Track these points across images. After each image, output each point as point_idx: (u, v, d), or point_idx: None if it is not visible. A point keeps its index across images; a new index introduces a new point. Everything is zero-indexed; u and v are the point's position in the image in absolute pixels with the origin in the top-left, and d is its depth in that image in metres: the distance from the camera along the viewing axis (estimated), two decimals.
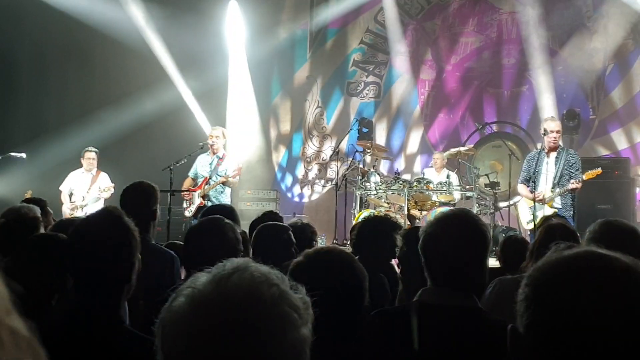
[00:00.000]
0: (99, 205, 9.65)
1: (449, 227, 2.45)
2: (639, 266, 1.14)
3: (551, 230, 3.77)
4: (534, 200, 7.58)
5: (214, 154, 9.27)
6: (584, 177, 7.51)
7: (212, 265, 1.17)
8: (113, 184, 9.74)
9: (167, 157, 9.48)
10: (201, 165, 9.30)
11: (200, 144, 9.46)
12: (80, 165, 10.05)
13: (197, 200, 9.08)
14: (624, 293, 1.09)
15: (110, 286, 2.27)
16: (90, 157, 9.96)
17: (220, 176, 9.08)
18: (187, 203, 9.20)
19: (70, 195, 9.80)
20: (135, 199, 4.17)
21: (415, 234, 2.82)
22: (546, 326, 1.12)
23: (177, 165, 8.89)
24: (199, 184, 9.20)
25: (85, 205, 9.72)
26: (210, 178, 9.12)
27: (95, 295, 2.24)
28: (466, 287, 2.41)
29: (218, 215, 3.41)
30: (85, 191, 9.83)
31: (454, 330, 2.33)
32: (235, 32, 13.35)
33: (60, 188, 9.90)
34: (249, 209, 11.80)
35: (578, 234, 4.07)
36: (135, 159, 12.43)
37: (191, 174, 9.34)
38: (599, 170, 7.67)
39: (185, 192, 9.12)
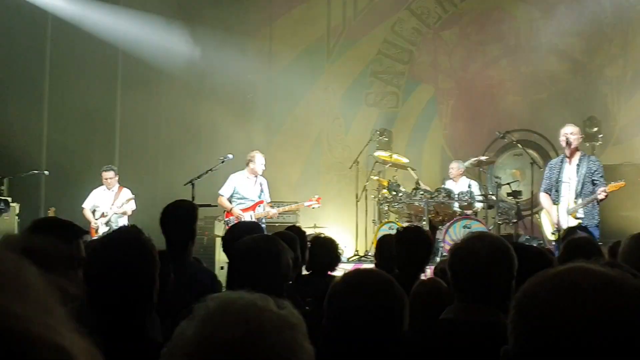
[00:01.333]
0: (124, 220, 9.80)
1: (478, 243, 2.45)
2: (624, 279, 1.13)
3: (573, 246, 3.78)
4: (557, 212, 7.53)
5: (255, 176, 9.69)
6: (608, 189, 7.45)
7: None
8: (133, 196, 9.94)
9: (188, 172, 9.57)
10: (242, 186, 9.50)
11: (221, 158, 9.51)
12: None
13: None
14: (604, 309, 1.08)
15: (130, 305, 2.26)
16: (107, 176, 10.09)
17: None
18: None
19: (94, 212, 9.93)
20: (176, 219, 4.17)
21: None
22: (530, 348, 1.12)
23: (199, 179, 8.94)
24: (252, 205, 9.56)
25: (109, 221, 9.85)
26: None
27: (114, 314, 2.23)
28: (491, 303, 2.41)
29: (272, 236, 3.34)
30: (109, 207, 9.96)
31: (485, 346, 2.32)
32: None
33: (83, 205, 10.03)
34: (270, 221, 11.80)
35: (599, 247, 4.06)
36: (159, 175, 12.58)
37: (227, 193, 9.54)
38: (622, 183, 7.61)
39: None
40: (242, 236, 4.05)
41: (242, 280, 2.86)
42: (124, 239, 2.43)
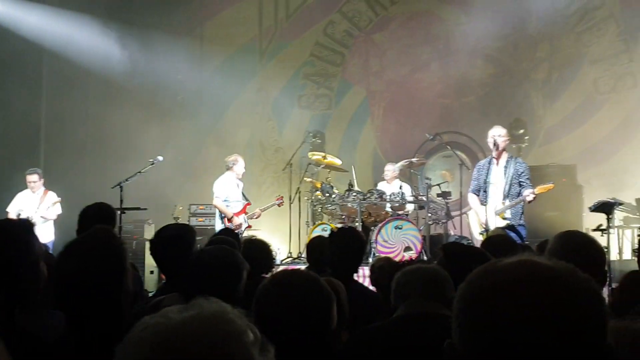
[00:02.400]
0: (49, 226, 9.57)
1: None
2: (571, 272, 1.14)
3: (491, 244, 3.89)
4: (485, 212, 7.69)
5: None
6: (537, 191, 7.65)
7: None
8: (59, 199, 9.75)
9: (117, 174, 9.40)
10: (231, 190, 9.69)
11: (151, 160, 9.37)
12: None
13: (245, 224, 9.93)
14: (551, 302, 1.08)
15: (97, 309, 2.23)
16: (31, 180, 9.87)
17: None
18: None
19: (19, 216, 9.64)
20: (97, 221, 4.08)
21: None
22: (475, 341, 1.12)
23: (127, 182, 8.78)
24: (242, 208, 9.87)
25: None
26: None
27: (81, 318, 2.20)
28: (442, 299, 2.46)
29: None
30: (34, 211, 9.69)
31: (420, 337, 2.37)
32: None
33: (7, 209, 9.77)
34: (201, 224, 11.71)
35: (516, 244, 4.18)
36: (86, 177, 12.30)
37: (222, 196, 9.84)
38: (551, 186, 7.81)
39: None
40: (170, 240, 3.99)
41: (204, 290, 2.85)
42: (96, 240, 2.38)
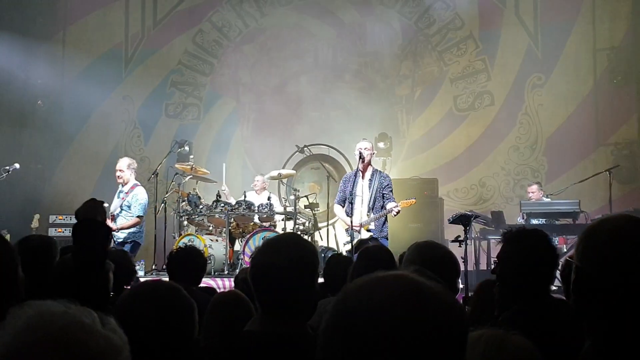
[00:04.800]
0: None
1: (277, 253, 2.44)
2: (435, 290, 1.17)
3: (368, 253, 3.94)
4: (351, 223, 7.83)
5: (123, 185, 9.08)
6: (401, 205, 7.88)
7: None
8: None
9: None
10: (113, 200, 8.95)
11: (7, 167, 8.90)
12: None
13: None
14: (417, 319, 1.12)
15: None
16: None
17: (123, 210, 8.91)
18: None
19: None
20: None
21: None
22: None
23: None
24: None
25: None
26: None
27: None
28: (295, 313, 2.41)
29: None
30: None
31: (280, 358, 2.32)
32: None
33: None
34: (61, 234, 11.22)
35: (392, 254, 4.28)
36: None
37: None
38: (413, 201, 8.09)
39: None
40: (33, 252, 3.82)
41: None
42: None
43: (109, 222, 8.59)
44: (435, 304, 1.14)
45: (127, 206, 8.90)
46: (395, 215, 7.98)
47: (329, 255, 6.94)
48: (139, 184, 9.20)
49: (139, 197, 8.98)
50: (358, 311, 1.14)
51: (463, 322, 1.17)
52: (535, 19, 12.79)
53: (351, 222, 7.87)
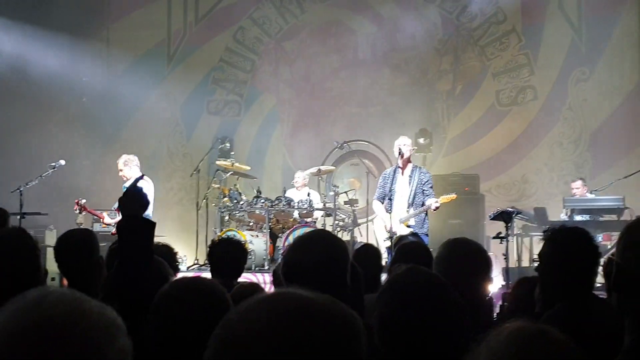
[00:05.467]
0: None
1: (307, 250, 2.47)
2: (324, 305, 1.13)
3: (405, 250, 3.95)
4: (390, 220, 7.82)
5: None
6: (440, 201, 7.86)
7: None
8: None
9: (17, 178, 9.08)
10: None
11: (53, 164, 9.09)
12: None
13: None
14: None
15: None
16: None
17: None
18: None
19: None
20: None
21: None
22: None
23: (27, 186, 8.50)
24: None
25: None
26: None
27: None
28: None
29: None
30: None
31: None
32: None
33: None
34: (105, 230, 11.41)
35: (430, 250, 4.28)
36: None
37: None
38: (453, 196, 8.06)
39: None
40: (74, 246, 3.90)
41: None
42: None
43: (107, 217, 8.86)
44: (322, 322, 1.08)
45: None
46: (434, 211, 7.95)
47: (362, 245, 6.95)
48: (143, 176, 9.26)
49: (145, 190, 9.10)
50: (240, 342, 1.08)
51: (354, 334, 1.11)
52: (579, 12, 12.58)
53: (390, 218, 7.86)
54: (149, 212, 9.00)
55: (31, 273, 2.28)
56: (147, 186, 9.02)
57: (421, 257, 3.78)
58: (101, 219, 8.88)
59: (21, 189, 8.31)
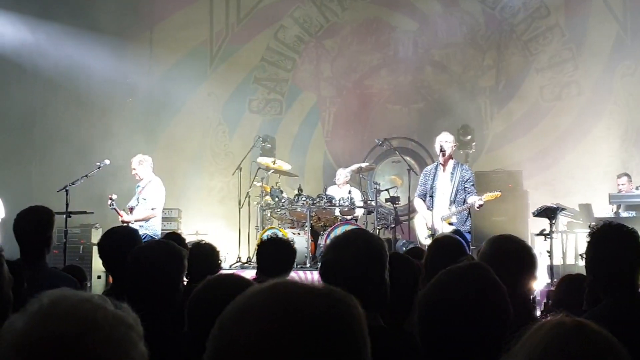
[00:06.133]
0: None
1: (344, 249, 2.48)
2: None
3: (438, 245, 3.93)
4: (432, 218, 7.79)
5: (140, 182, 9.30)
6: (484, 198, 7.80)
7: None
8: None
9: (63, 177, 9.25)
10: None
11: (98, 163, 9.25)
12: None
13: None
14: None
15: None
16: None
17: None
18: None
19: None
20: (29, 226, 4.03)
21: None
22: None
23: (73, 186, 8.67)
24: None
25: None
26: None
27: None
28: (366, 306, 2.42)
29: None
30: None
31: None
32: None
33: None
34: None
35: (463, 245, 4.25)
36: (32, 180, 12.08)
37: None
38: (498, 194, 7.98)
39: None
40: (117, 243, 3.99)
41: (139, 292, 2.94)
42: None
43: (126, 215, 8.94)
44: (313, 323, 1.07)
45: (144, 199, 9.11)
46: (478, 209, 7.89)
47: (410, 248, 6.92)
48: (157, 177, 9.37)
49: (156, 190, 9.19)
50: (236, 346, 1.08)
51: (346, 319, 1.11)
52: (624, 4, 12.34)
53: (431, 216, 7.83)
54: (158, 209, 9.17)
55: None
56: (160, 189, 9.19)
57: (454, 252, 3.75)
58: (120, 216, 9.00)
59: (67, 188, 8.46)
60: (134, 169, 9.21)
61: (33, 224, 4.06)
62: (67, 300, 1.10)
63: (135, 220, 8.94)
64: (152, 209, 9.04)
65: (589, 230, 3.05)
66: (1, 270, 2.36)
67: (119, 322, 1.10)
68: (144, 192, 9.12)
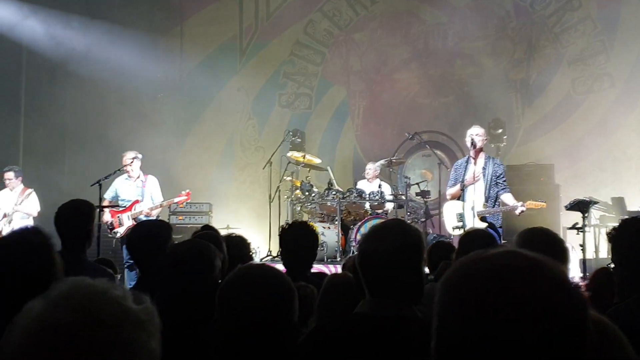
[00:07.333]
0: (30, 222, 9.59)
1: (382, 239, 2.49)
2: (544, 263, 1.17)
3: (469, 238, 3.92)
4: (462, 208, 7.76)
5: (137, 178, 9.37)
6: (527, 206, 7.79)
7: None
8: (31, 190, 9.75)
9: (96, 172, 9.38)
10: (123, 189, 9.32)
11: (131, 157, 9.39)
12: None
13: (128, 222, 9.07)
14: (523, 291, 1.09)
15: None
16: (8, 177, 9.93)
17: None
18: (113, 224, 9.18)
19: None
20: (71, 219, 4.10)
21: None
22: (465, 336, 1.10)
23: (107, 180, 8.79)
24: (128, 205, 9.16)
25: (11, 221, 9.63)
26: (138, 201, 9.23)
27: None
28: (403, 297, 2.44)
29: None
30: (12, 208, 9.70)
31: (390, 339, 2.36)
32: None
33: None
34: (181, 222, 11.71)
35: (494, 238, 4.23)
36: (65, 174, 12.26)
37: (108, 196, 9.31)
38: (543, 204, 7.97)
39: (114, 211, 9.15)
40: (146, 236, 4.04)
41: (175, 286, 2.98)
42: (17, 240, 2.40)
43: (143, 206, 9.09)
44: (548, 273, 1.13)
45: (150, 194, 9.25)
46: (518, 215, 7.89)
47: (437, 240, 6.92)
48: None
49: (157, 185, 9.48)
50: (468, 284, 1.12)
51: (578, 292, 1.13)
52: None
53: (462, 207, 7.81)
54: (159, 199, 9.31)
55: (42, 270, 2.34)
56: (157, 184, 9.37)
57: (485, 245, 3.73)
58: (139, 214, 9.19)
59: (100, 182, 8.58)
60: (126, 165, 9.28)
61: (75, 217, 4.13)
62: (81, 290, 1.09)
63: (152, 209, 9.10)
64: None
65: (615, 225, 3.00)
66: (53, 257, 2.41)
67: (126, 320, 1.08)
68: (148, 188, 9.29)
